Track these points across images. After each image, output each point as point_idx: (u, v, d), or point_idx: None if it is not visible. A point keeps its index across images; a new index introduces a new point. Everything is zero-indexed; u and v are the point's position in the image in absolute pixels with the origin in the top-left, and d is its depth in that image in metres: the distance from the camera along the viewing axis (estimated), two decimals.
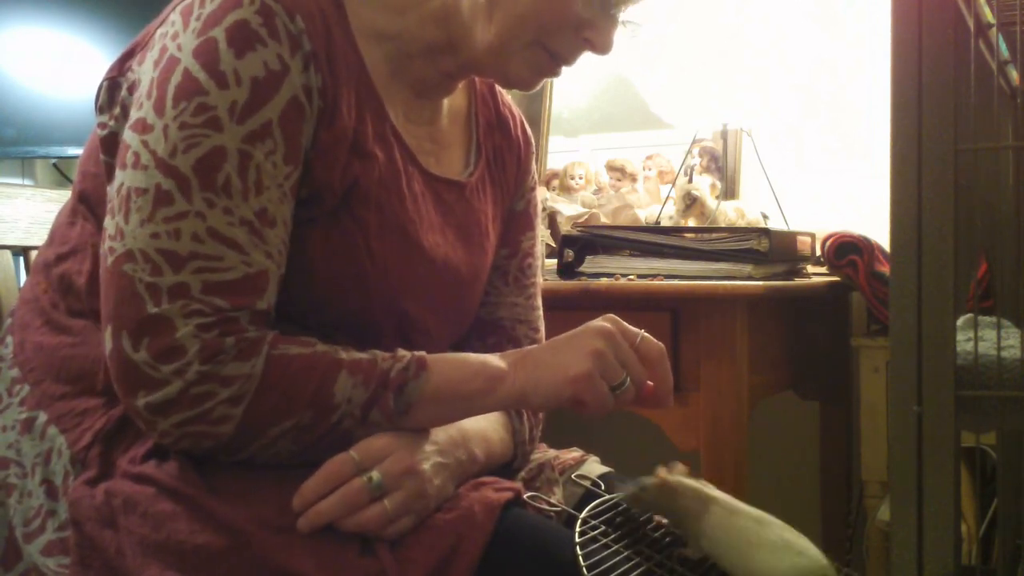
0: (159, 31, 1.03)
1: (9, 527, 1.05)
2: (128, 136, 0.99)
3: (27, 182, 2.74)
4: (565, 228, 1.99)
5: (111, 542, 0.99)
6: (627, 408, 1.05)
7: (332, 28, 1.04)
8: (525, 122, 1.32)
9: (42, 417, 1.07)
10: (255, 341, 0.95)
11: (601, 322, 1.04)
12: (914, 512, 0.86)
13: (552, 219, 2.08)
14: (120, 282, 0.95)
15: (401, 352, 1.01)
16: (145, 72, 1.01)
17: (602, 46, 1.11)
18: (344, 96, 1.03)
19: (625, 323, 1.05)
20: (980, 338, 0.91)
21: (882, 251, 1.93)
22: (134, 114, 1.00)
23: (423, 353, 1.01)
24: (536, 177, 1.34)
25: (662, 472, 1.05)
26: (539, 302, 1.30)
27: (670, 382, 1.06)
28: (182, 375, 0.93)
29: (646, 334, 1.06)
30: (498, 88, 1.28)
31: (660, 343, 1.06)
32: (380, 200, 1.06)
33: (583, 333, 1.03)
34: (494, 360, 1.03)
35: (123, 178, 0.98)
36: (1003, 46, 1.10)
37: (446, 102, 1.20)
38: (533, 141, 1.33)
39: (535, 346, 1.06)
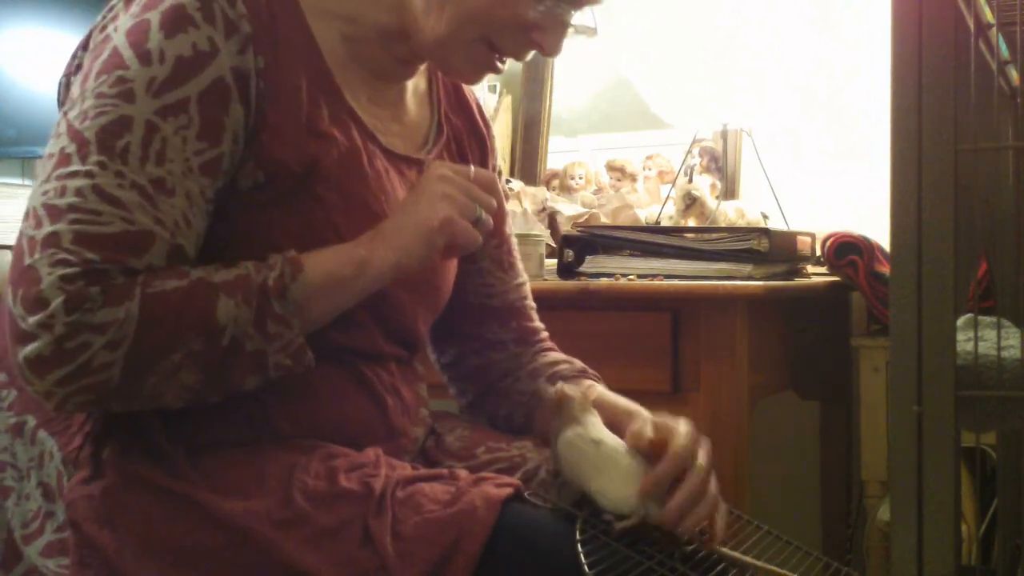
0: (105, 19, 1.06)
1: (8, 529, 1.05)
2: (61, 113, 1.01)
3: (27, 182, 2.74)
4: (565, 228, 1.99)
5: (110, 542, 0.99)
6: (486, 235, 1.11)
7: (277, 11, 1.05)
8: (483, 106, 1.34)
9: (31, 421, 1.07)
10: (125, 285, 0.93)
11: (436, 168, 1.08)
12: (914, 512, 0.86)
13: (552, 219, 2.08)
14: (17, 242, 0.97)
15: (272, 258, 1.01)
16: (87, 57, 1.04)
17: (550, 48, 1.13)
18: (292, 78, 1.04)
19: (452, 163, 1.11)
20: (980, 338, 0.91)
21: (882, 251, 1.93)
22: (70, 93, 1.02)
23: (292, 253, 1.01)
24: (500, 162, 1.35)
25: (563, 387, 1.09)
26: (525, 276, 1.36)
27: (504, 206, 1.14)
28: (49, 329, 0.91)
29: (474, 167, 1.11)
30: None
31: (490, 173, 1.13)
32: (341, 179, 1.07)
33: (423, 186, 1.07)
34: (353, 247, 1.05)
35: (46, 149, 1.00)
36: (1003, 46, 1.10)
37: (410, 84, 1.21)
38: (492, 125, 1.35)
39: (385, 221, 1.08)
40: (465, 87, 1.30)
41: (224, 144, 1.00)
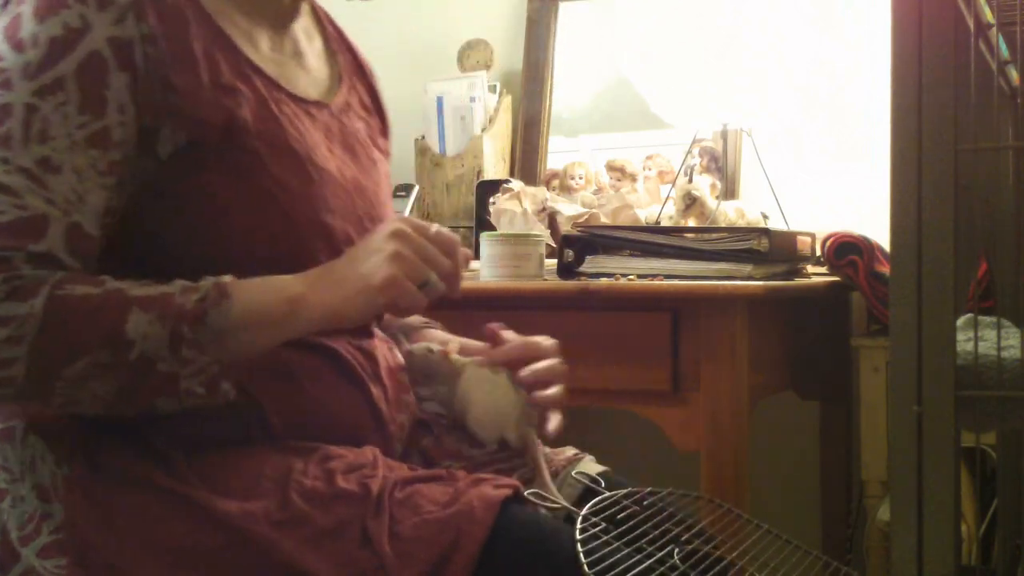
0: None
1: (4, 531, 1.04)
2: None
3: None
4: (565, 228, 1.99)
5: (108, 542, 0.99)
6: (436, 299, 1.08)
7: None
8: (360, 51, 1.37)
9: (20, 426, 1.06)
10: (33, 281, 0.94)
11: (393, 224, 1.05)
12: (914, 512, 0.86)
13: (552, 219, 2.08)
14: None
15: (203, 281, 1.01)
16: None
17: None
18: (183, 39, 1.05)
19: (414, 219, 1.08)
20: (980, 338, 0.91)
21: (882, 251, 1.93)
22: None
23: (227, 279, 1.01)
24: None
25: (451, 347, 1.21)
26: None
27: (461, 272, 1.09)
28: None
29: (439, 226, 1.08)
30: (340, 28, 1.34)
31: (453, 234, 1.09)
32: (260, 128, 1.08)
33: (378, 239, 1.04)
34: (291, 282, 1.03)
35: None
36: (1003, 46, 1.10)
37: (302, 34, 1.23)
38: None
39: (333, 262, 1.07)
40: (351, 42, 1.33)
41: (109, 115, 1.00)
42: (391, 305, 1.04)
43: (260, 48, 1.15)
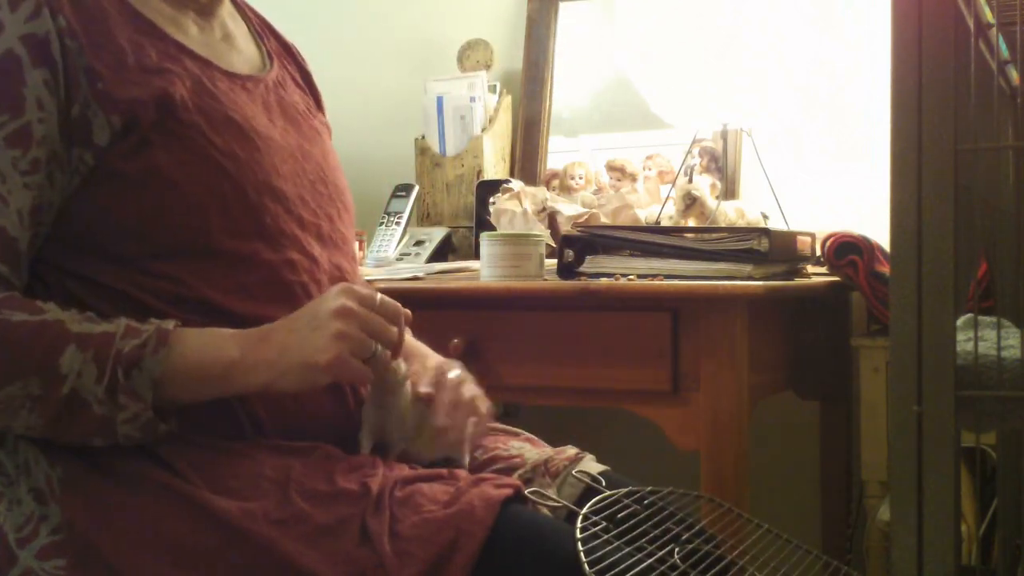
0: None
1: (1, 534, 1.04)
2: None
3: None
4: (565, 228, 1.99)
5: (108, 542, 0.99)
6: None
7: None
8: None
9: (11, 432, 1.07)
10: None
11: (337, 298, 1.03)
12: (914, 512, 0.86)
13: (552, 219, 2.08)
14: None
15: (148, 324, 1.01)
16: None
17: None
18: (104, 27, 1.06)
19: (359, 288, 1.06)
20: (980, 338, 0.91)
21: (882, 251, 1.93)
22: None
23: (170, 326, 1.01)
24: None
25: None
26: None
27: (403, 339, 1.08)
28: None
29: (382, 295, 1.07)
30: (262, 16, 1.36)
31: (395, 302, 1.08)
32: (196, 102, 1.09)
33: (323, 314, 1.03)
34: (230, 344, 1.03)
35: None
36: (1003, 46, 1.10)
37: (229, 20, 1.25)
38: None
39: (275, 327, 1.05)
40: (272, 25, 1.35)
41: (28, 113, 1.01)
42: (335, 380, 1.05)
43: (189, 33, 1.16)
